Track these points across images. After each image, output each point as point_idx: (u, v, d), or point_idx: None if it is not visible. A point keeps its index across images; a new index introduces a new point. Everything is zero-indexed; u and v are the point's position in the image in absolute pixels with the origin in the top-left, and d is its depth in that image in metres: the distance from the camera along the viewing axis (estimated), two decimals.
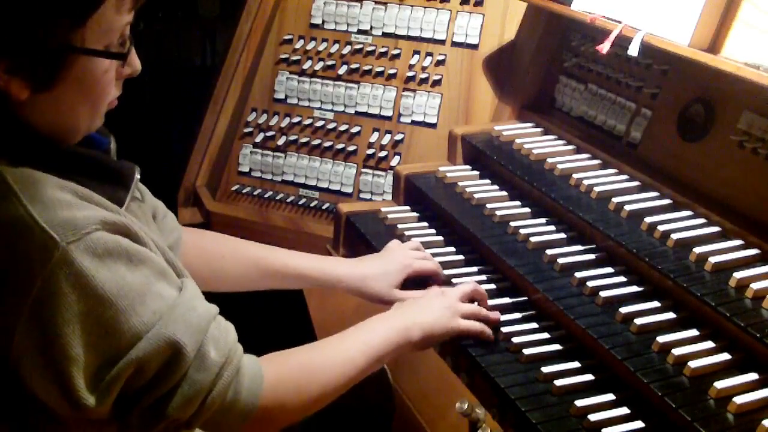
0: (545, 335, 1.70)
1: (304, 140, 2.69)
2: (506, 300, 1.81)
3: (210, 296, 1.43)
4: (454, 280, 1.87)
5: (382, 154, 2.58)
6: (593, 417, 1.45)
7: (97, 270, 1.22)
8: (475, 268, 1.94)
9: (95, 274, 1.21)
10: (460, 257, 1.98)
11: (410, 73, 2.57)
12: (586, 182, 1.95)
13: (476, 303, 1.74)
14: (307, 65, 2.70)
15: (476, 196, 2.09)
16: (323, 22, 2.72)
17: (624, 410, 1.48)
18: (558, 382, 1.54)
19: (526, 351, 1.63)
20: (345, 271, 1.84)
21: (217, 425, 1.38)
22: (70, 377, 1.22)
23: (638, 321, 1.58)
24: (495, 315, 1.73)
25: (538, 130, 2.26)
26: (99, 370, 1.24)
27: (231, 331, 1.40)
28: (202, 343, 1.31)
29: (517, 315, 1.77)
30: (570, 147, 2.15)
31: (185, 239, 1.74)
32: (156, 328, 1.26)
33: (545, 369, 1.58)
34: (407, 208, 2.23)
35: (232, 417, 1.36)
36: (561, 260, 1.79)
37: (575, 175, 1.99)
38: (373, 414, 1.56)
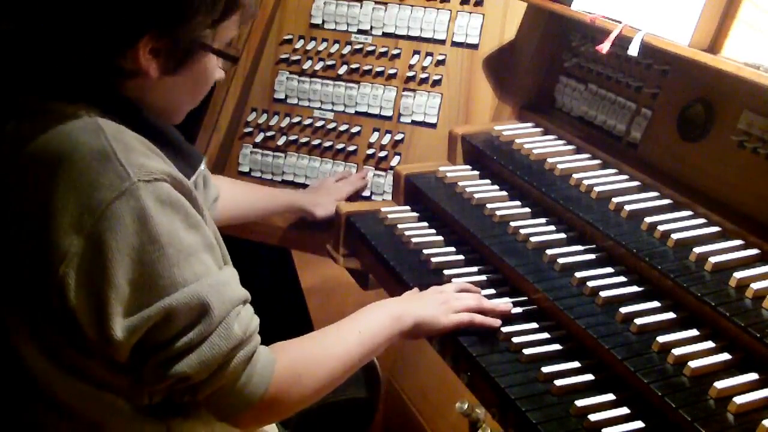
0: (545, 335, 1.70)
1: (304, 140, 2.69)
2: (506, 300, 1.81)
3: None
4: (454, 281, 1.87)
5: (382, 154, 2.58)
6: (593, 417, 1.45)
7: (157, 213, 1.32)
8: (475, 268, 1.94)
9: (154, 215, 1.31)
10: (460, 257, 1.98)
11: (410, 73, 2.57)
12: (586, 182, 1.95)
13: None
14: (307, 65, 2.70)
15: (476, 196, 2.09)
16: (323, 22, 2.71)
17: (624, 410, 1.48)
18: (558, 382, 1.54)
19: (526, 351, 1.63)
20: (300, 197, 2.41)
21: (220, 407, 1.42)
22: (108, 303, 1.30)
23: (638, 321, 1.58)
24: (505, 306, 1.74)
25: (538, 130, 2.26)
26: (133, 306, 1.32)
27: (256, 320, 1.46)
28: (229, 315, 1.38)
29: (518, 315, 1.77)
30: (570, 147, 2.15)
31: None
32: (192, 285, 1.34)
33: (545, 369, 1.58)
34: (407, 208, 2.23)
35: (238, 400, 1.41)
36: (561, 260, 1.79)
37: (575, 175, 1.99)
38: (358, 404, 1.63)
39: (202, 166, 1.55)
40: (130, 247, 1.30)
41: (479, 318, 1.70)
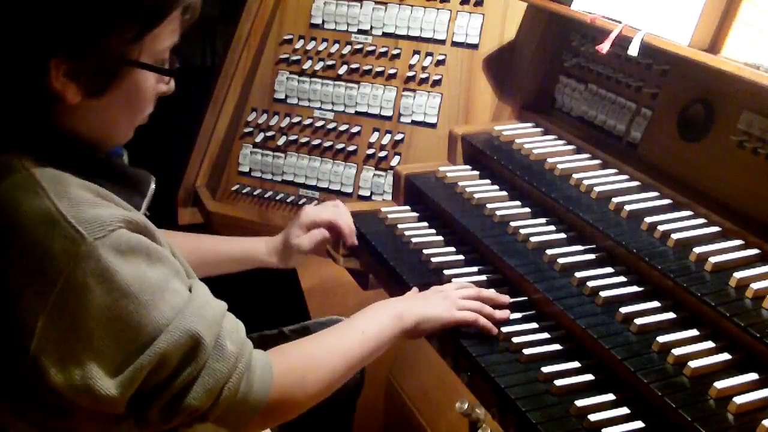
0: (545, 335, 1.70)
1: (304, 140, 2.69)
2: (506, 297, 1.81)
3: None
4: (454, 280, 1.87)
5: (382, 154, 2.58)
6: (593, 417, 1.45)
7: (121, 266, 1.26)
8: (475, 268, 1.94)
9: (119, 270, 1.25)
10: (460, 257, 1.98)
11: (410, 73, 2.57)
12: (586, 182, 1.95)
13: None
14: (307, 65, 2.70)
15: (476, 196, 2.09)
16: (323, 22, 2.71)
17: (624, 410, 1.48)
18: (558, 382, 1.54)
19: (526, 351, 1.63)
20: (264, 247, 2.01)
21: (229, 419, 1.40)
22: (93, 370, 1.25)
23: (638, 321, 1.58)
24: (501, 313, 1.74)
25: (538, 130, 2.26)
26: (122, 362, 1.27)
27: (241, 326, 1.44)
28: (219, 335, 1.36)
29: (517, 315, 1.77)
30: (570, 147, 2.15)
31: None
32: (176, 321, 1.30)
33: (545, 369, 1.58)
34: (407, 208, 2.23)
35: (244, 410, 1.40)
36: (561, 260, 1.79)
37: (575, 175, 1.99)
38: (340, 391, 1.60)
39: (153, 186, 1.45)
40: (103, 308, 1.24)
41: (482, 320, 1.70)
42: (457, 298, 1.73)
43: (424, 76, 2.55)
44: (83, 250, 1.23)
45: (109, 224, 1.26)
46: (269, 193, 2.71)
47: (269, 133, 2.73)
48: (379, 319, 1.63)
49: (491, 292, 1.78)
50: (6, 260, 1.25)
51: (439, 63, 2.55)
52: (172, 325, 1.29)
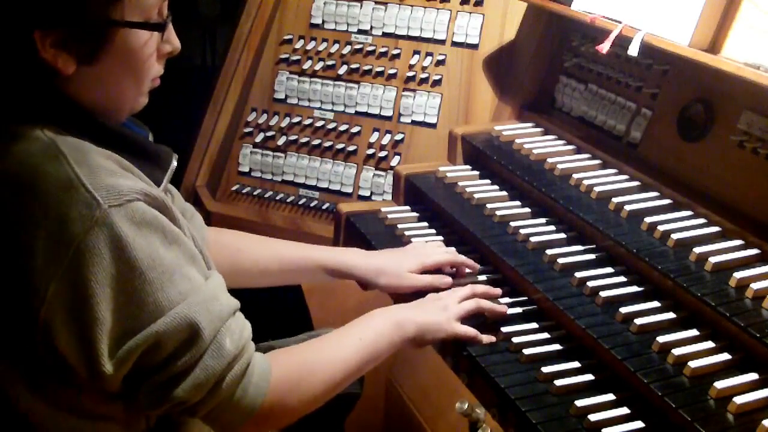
0: (545, 335, 1.70)
1: (304, 140, 2.69)
2: (506, 300, 1.81)
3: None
4: (454, 281, 1.87)
5: (382, 154, 2.58)
6: (593, 417, 1.45)
7: (134, 237, 1.26)
8: None
9: (131, 241, 1.26)
10: None
11: (410, 73, 2.57)
12: (586, 182, 1.95)
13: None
14: (307, 65, 2.70)
15: (476, 196, 2.09)
16: (323, 22, 2.71)
17: (624, 410, 1.48)
18: (558, 382, 1.54)
19: (526, 351, 1.63)
20: (360, 262, 1.86)
21: (220, 420, 1.40)
22: (95, 339, 1.26)
23: (638, 321, 1.58)
24: (501, 308, 1.74)
25: (538, 130, 2.27)
26: (119, 337, 1.27)
27: (247, 328, 1.42)
28: (220, 332, 1.34)
29: (517, 315, 1.77)
30: (570, 147, 2.15)
31: (207, 236, 1.77)
32: (179, 307, 1.29)
33: (545, 369, 1.58)
34: (407, 208, 2.23)
35: (237, 412, 1.38)
36: (561, 260, 1.79)
37: (575, 175, 1.99)
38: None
39: (174, 162, 1.46)
40: (110, 277, 1.25)
41: (485, 337, 1.69)
42: (455, 306, 1.70)
43: (424, 76, 2.55)
44: (98, 216, 1.23)
45: (126, 194, 1.26)
46: (269, 193, 2.71)
47: (269, 133, 2.73)
48: (378, 326, 1.61)
49: (484, 287, 1.78)
50: (26, 226, 1.26)
51: (439, 63, 2.55)
52: (174, 310, 1.29)
